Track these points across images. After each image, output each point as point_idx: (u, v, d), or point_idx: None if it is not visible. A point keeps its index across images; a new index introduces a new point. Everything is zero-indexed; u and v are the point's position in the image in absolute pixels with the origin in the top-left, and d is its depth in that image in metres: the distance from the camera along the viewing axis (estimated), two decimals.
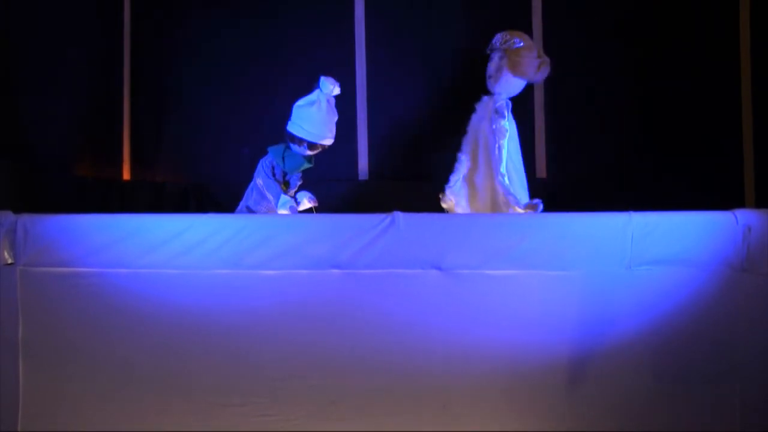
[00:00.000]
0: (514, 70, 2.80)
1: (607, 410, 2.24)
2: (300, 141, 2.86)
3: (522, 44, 2.78)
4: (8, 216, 2.24)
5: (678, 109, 3.58)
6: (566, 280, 2.24)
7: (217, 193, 3.87)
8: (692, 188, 3.34)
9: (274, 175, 2.90)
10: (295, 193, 2.94)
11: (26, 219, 2.25)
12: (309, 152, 2.88)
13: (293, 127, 2.86)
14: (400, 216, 2.26)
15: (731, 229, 2.23)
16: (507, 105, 2.83)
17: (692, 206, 2.30)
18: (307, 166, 2.92)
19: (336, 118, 2.88)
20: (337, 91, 2.82)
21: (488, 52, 2.87)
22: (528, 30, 3.84)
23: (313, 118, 2.82)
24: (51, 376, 2.25)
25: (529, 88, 3.83)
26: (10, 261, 2.23)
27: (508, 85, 2.83)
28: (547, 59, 2.84)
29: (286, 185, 2.93)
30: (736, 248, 2.23)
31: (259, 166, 2.96)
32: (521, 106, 3.80)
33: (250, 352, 2.24)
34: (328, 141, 2.88)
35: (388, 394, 2.24)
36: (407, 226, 2.25)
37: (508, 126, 2.78)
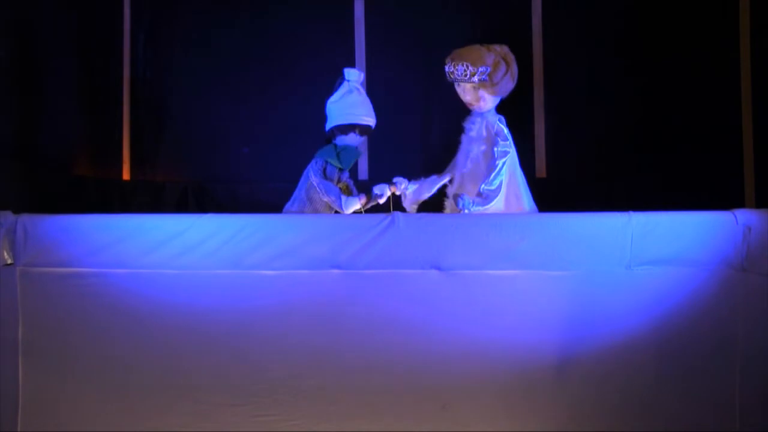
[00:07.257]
0: (496, 93, 2.74)
1: (606, 410, 2.24)
2: (349, 129, 2.84)
3: (489, 70, 2.66)
4: (8, 216, 2.23)
5: (678, 108, 3.58)
6: (566, 280, 2.23)
7: (217, 193, 3.87)
8: (692, 188, 3.34)
9: (326, 176, 2.83)
10: (372, 187, 2.86)
11: (26, 219, 2.25)
12: (360, 137, 2.86)
13: (338, 119, 2.84)
14: (400, 216, 2.26)
15: (731, 228, 2.23)
16: (503, 121, 2.77)
17: (692, 206, 2.30)
18: (358, 155, 2.90)
19: (369, 101, 2.89)
20: (362, 77, 2.86)
21: (452, 80, 2.79)
22: (528, 30, 3.86)
23: (355, 103, 2.82)
24: (51, 376, 2.25)
25: (529, 88, 3.86)
26: (9, 261, 2.23)
27: (493, 103, 2.79)
28: (503, 57, 2.72)
29: (345, 187, 2.87)
30: (736, 248, 2.23)
31: (309, 173, 2.85)
32: (521, 106, 3.83)
33: (250, 352, 2.24)
34: (373, 121, 2.87)
35: (388, 394, 2.23)
36: (407, 226, 2.24)
37: (511, 147, 2.73)
